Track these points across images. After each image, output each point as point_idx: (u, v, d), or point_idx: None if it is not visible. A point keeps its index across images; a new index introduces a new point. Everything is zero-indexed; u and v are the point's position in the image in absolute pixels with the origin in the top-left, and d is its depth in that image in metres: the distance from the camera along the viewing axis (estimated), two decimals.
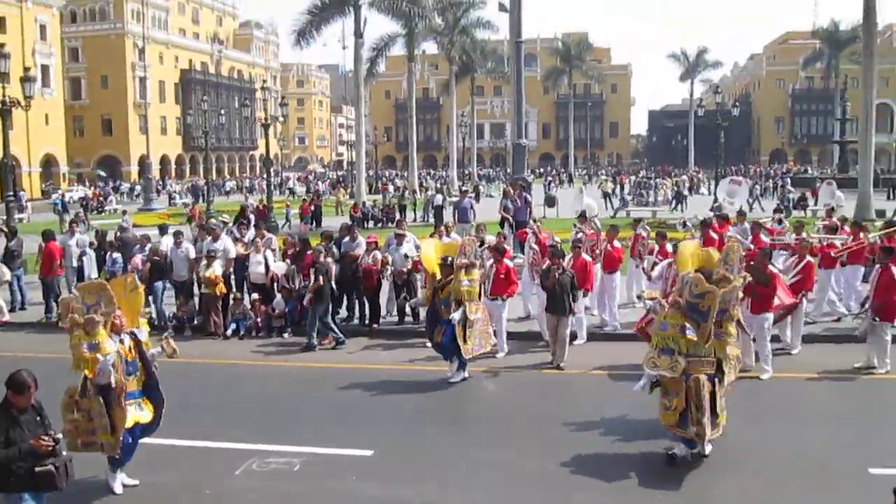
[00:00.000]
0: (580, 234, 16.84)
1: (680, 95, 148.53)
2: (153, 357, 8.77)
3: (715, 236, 16.33)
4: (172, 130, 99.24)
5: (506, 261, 14.27)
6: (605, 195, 48.95)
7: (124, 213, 34.80)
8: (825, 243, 15.87)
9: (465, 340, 12.36)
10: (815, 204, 39.36)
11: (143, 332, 8.80)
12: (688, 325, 8.84)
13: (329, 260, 15.55)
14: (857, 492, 8.36)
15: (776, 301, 12.83)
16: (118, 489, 8.53)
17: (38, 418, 6.56)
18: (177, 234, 17.83)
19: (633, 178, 68.08)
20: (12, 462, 6.25)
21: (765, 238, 16.79)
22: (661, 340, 9.03)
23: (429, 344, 13.20)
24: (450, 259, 12.76)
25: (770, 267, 12.73)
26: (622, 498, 8.25)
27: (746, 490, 8.45)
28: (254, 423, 10.77)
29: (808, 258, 14.02)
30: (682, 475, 8.76)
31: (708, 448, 9.14)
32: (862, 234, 16.57)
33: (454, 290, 12.49)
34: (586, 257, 14.68)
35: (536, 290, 15.35)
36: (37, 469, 6.34)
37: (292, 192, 71.31)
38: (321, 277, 14.85)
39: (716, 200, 39.82)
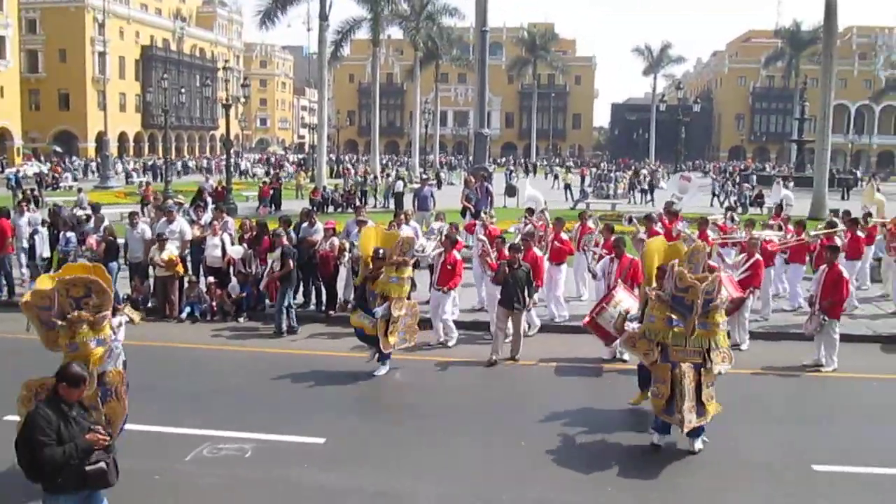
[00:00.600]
0: (529, 227, 16.91)
1: (643, 90, 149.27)
2: (119, 325, 8.63)
3: (661, 230, 16.63)
4: (132, 107, 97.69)
5: (454, 252, 14.24)
6: (567, 186, 49.24)
7: (80, 190, 34.30)
8: (764, 239, 16.10)
9: (386, 335, 12.17)
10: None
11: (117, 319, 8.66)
12: (674, 317, 9.05)
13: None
14: (801, 489, 8.53)
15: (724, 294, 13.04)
16: None
17: (84, 412, 6.24)
18: (132, 215, 17.66)
19: (594, 170, 68.45)
20: (70, 461, 5.88)
21: (713, 235, 17.09)
22: (649, 332, 9.35)
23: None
24: (382, 251, 12.51)
25: (712, 262, 12.74)
26: (573, 487, 8.35)
27: (691, 486, 8.60)
28: (207, 408, 10.72)
29: (757, 256, 14.43)
30: (630, 468, 8.89)
31: (698, 444, 9.35)
32: (803, 233, 16.93)
33: (380, 286, 12.36)
34: (537, 251, 14.72)
35: (485, 281, 15.47)
36: (87, 467, 5.98)
37: (245, 174, 70.60)
38: (290, 262, 14.80)
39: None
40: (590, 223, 18.07)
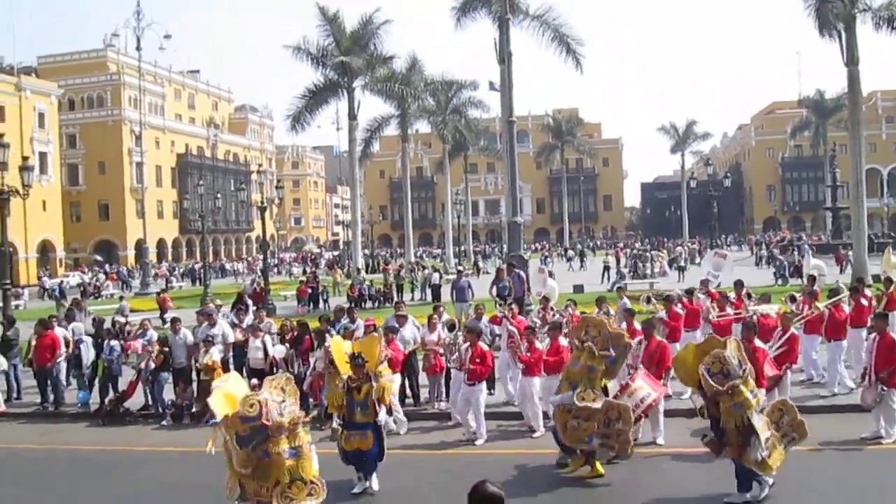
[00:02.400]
0: (557, 317, 16.72)
1: (671, 167, 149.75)
2: None
3: (681, 311, 16.44)
4: (169, 214, 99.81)
5: (480, 343, 14.00)
6: (605, 268, 49.16)
7: (121, 298, 34.81)
8: (760, 314, 15.40)
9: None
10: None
11: None
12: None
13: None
14: None
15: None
16: None
17: None
18: (174, 321, 17.86)
19: (628, 250, 68.29)
20: None
21: (729, 311, 16.79)
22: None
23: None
24: (359, 356, 10.92)
25: (756, 342, 12.49)
26: None
27: None
28: None
29: (792, 330, 14.01)
30: None
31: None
32: (813, 304, 16.39)
33: (380, 389, 10.97)
34: (563, 340, 13.95)
35: (513, 374, 15.28)
36: None
37: (290, 272, 71.62)
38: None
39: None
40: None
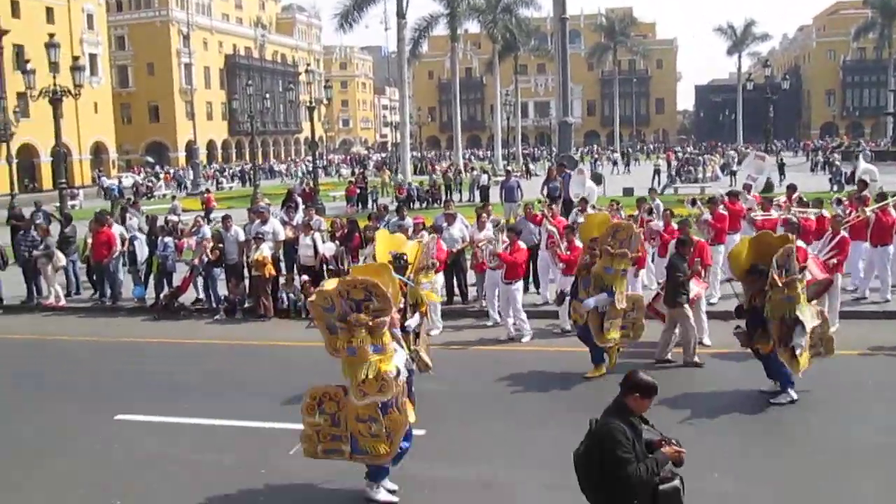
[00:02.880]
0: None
1: (727, 69, 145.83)
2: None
3: (725, 213, 16.14)
4: (218, 115, 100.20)
5: (519, 242, 13.90)
6: (656, 171, 48.58)
7: (174, 198, 35.33)
8: (800, 217, 14.94)
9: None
10: None
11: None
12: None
13: None
14: None
15: (807, 277, 12.63)
16: (387, 497, 7.99)
17: (645, 425, 5.55)
18: (225, 218, 18.12)
19: (680, 154, 67.22)
20: (651, 478, 5.28)
21: (773, 213, 16.36)
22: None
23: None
24: (402, 256, 10.04)
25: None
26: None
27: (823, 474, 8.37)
28: None
29: (843, 233, 13.66)
30: (748, 453, 8.68)
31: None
32: (861, 209, 15.77)
33: (413, 294, 10.38)
34: (578, 242, 13.69)
35: (553, 274, 15.36)
36: (661, 486, 5.35)
37: (339, 173, 72.05)
38: None
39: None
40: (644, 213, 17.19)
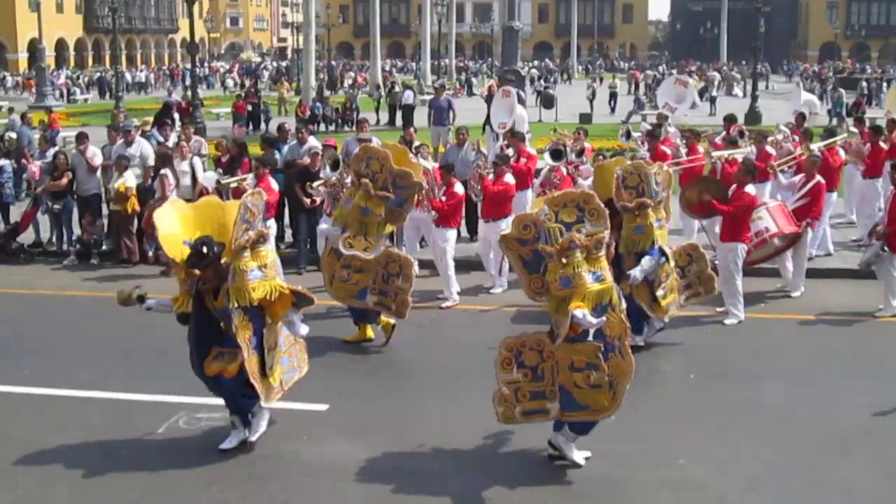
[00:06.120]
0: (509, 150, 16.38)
1: None
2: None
3: (668, 150, 16.36)
4: (71, 7, 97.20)
5: (507, 175, 13.98)
6: (612, 95, 48.97)
7: (11, 110, 34.39)
8: (725, 160, 15.17)
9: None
10: None
11: None
12: None
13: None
14: None
15: (773, 229, 12.97)
16: (581, 457, 8.27)
17: None
18: (80, 137, 17.61)
19: (648, 72, 67.81)
20: None
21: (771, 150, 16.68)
22: None
23: None
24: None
25: (750, 188, 12.66)
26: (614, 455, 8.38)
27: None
28: (182, 371, 10.54)
29: (818, 178, 13.90)
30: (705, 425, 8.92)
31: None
32: (804, 146, 16.14)
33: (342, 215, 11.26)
34: (510, 178, 14.21)
35: None
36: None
37: (224, 85, 71.09)
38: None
39: (753, 103, 40.04)
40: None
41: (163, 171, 15.58)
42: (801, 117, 19.69)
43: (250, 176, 14.86)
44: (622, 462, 8.34)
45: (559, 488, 7.94)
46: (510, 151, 15.89)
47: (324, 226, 11.40)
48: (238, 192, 15.13)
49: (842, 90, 46.44)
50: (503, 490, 7.88)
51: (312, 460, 8.43)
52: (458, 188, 13.64)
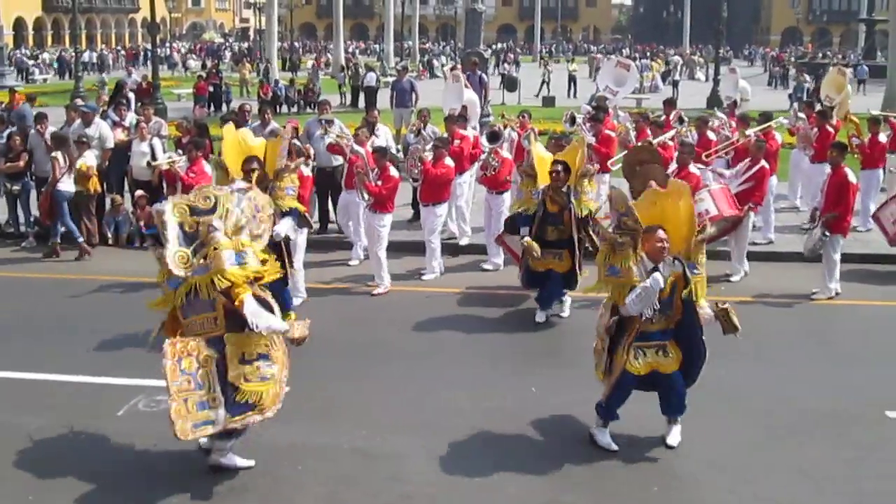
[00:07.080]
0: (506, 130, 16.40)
1: None
2: None
3: (612, 134, 16.47)
4: None
5: (446, 158, 13.91)
6: (571, 79, 48.98)
7: None
8: (658, 144, 15.12)
9: None
10: None
11: None
12: None
13: None
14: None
15: (713, 211, 12.88)
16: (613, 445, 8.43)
17: None
18: (39, 117, 17.41)
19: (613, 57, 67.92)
20: None
21: (712, 136, 16.84)
22: None
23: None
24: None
25: (694, 168, 13.03)
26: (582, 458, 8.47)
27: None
28: (141, 354, 10.52)
29: (763, 163, 13.97)
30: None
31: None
32: (740, 132, 16.32)
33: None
34: (449, 161, 14.16)
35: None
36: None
37: (186, 66, 70.58)
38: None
39: (715, 87, 40.22)
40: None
41: (54, 154, 15.47)
42: (734, 103, 19.92)
43: (183, 158, 14.93)
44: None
45: (518, 467, 8.00)
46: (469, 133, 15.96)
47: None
48: (170, 175, 15.20)
49: (806, 75, 46.79)
50: (463, 469, 7.94)
51: (275, 440, 8.41)
52: (393, 171, 13.40)
